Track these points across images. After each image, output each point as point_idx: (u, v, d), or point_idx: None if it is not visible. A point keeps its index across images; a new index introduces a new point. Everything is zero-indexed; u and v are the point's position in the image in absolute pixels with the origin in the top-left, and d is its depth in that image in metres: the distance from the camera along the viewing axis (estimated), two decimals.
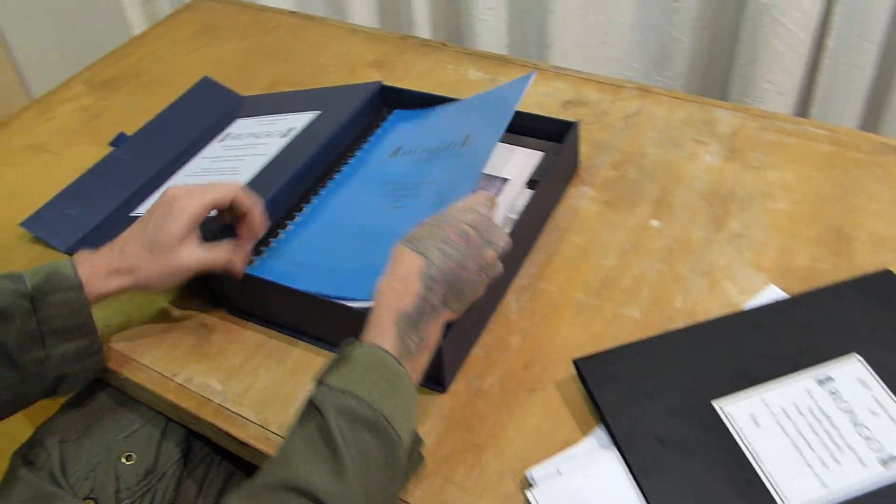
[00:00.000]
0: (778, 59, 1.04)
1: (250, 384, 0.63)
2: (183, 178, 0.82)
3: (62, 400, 0.68)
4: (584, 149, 0.81)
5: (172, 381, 0.64)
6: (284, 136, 0.82)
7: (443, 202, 0.64)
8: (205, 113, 0.92)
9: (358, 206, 0.74)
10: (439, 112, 0.82)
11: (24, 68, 1.81)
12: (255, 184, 0.76)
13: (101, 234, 0.77)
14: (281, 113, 0.87)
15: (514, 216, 0.69)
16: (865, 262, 0.67)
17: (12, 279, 0.59)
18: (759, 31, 1.04)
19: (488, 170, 0.75)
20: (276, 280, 0.65)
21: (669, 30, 1.16)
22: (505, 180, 0.74)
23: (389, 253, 0.56)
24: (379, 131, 0.84)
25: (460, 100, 0.81)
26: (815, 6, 1.00)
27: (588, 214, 0.74)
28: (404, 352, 0.52)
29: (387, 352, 0.51)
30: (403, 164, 0.77)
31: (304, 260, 0.70)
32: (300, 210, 0.76)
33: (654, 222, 0.73)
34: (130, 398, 0.67)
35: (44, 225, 0.79)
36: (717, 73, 1.17)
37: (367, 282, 0.57)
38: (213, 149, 0.86)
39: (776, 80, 1.06)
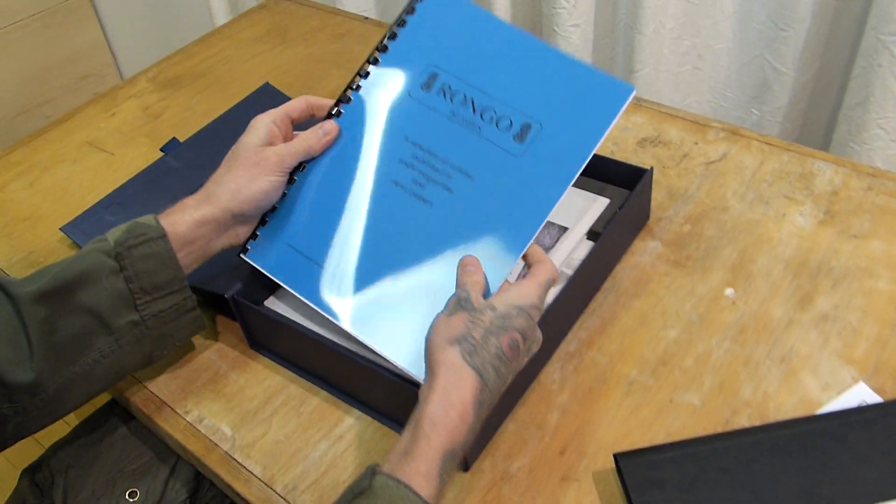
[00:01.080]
0: (894, 101, 0.92)
1: (262, 434, 0.58)
2: None
3: (74, 421, 0.65)
4: (657, 196, 0.73)
5: (183, 418, 0.60)
6: None
7: (479, 228, 0.56)
8: None
9: (367, 172, 0.60)
10: (498, 39, 0.62)
11: (117, 50, 1.85)
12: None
13: None
14: None
15: (570, 272, 0.62)
16: None
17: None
18: (875, 70, 0.92)
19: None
20: (268, 272, 0.60)
21: (771, 60, 1.05)
22: (563, 228, 0.67)
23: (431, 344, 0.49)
24: (415, 16, 0.64)
25: (532, 40, 0.61)
26: None
27: (653, 275, 0.66)
28: (437, 490, 0.45)
29: (419, 497, 0.43)
30: (437, 117, 0.60)
31: (299, 243, 0.60)
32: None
33: (729, 291, 0.64)
34: (144, 425, 0.64)
35: (83, 231, 0.77)
36: (822, 112, 1.06)
37: (372, 317, 0.55)
38: None
39: (890, 127, 0.94)
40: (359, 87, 0.63)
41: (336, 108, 0.63)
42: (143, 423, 0.63)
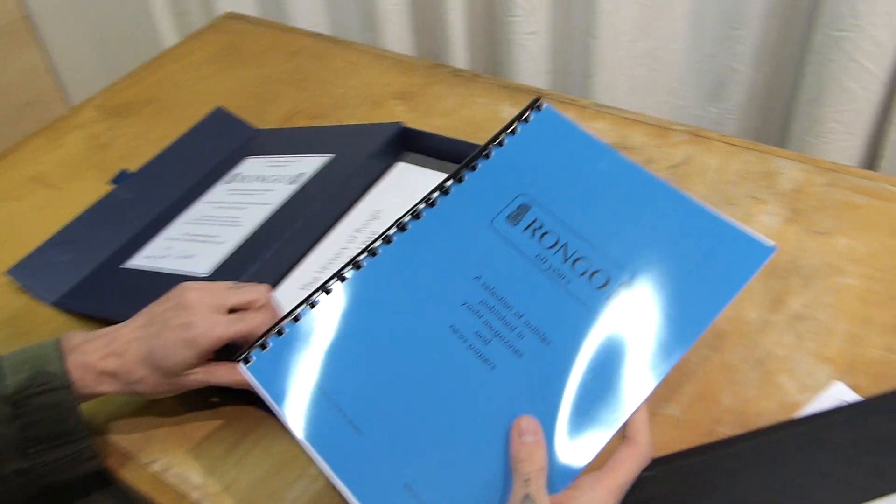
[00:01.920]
0: (847, 96, 0.93)
1: (234, 479, 0.56)
2: (182, 225, 0.76)
3: None
4: None
5: (148, 469, 0.57)
6: (293, 182, 0.75)
7: (551, 408, 0.44)
8: (215, 148, 0.86)
9: (423, 312, 0.48)
10: (610, 173, 0.51)
11: (63, 75, 1.80)
12: (255, 239, 0.69)
13: (90, 288, 0.71)
14: (293, 154, 0.80)
15: None
16: None
17: None
18: (827, 65, 0.93)
19: None
20: (274, 399, 0.47)
21: (726, 59, 1.06)
22: None
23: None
24: (516, 137, 0.53)
25: (650, 178, 0.51)
26: (891, 39, 0.89)
27: None
28: None
29: None
30: (519, 259, 0.48)
31: (330, 387, 0.47)
32: (340, 277, 0.50)
33: None
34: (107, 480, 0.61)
35: (31, 273, 0.73)
36: (779, 108, 1.07)
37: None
38: (218, 192, 0.79)
39: (844, 120, 0.95)
40: (434, 202, 0.51)
41: (401, 223, 0.51)
42: (106, 477, 0.60)
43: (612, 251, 0.48)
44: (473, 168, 0.52)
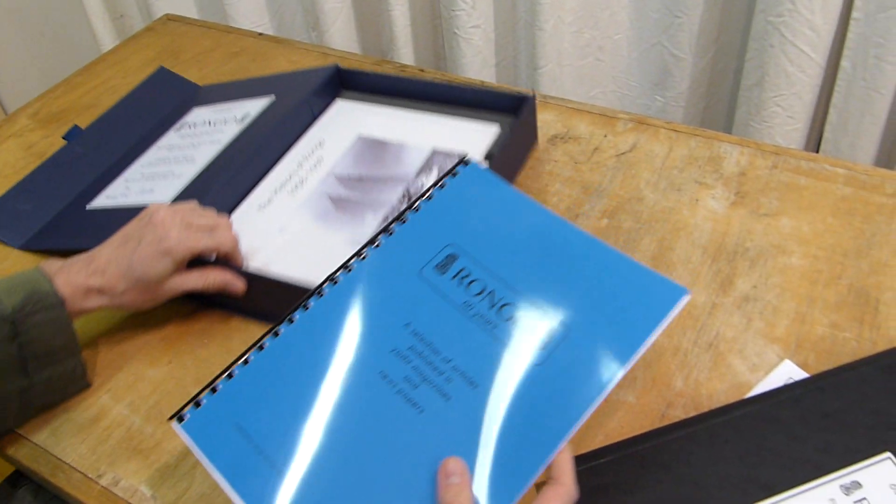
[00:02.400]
0: (787, 80, 0.95)
1: (185, 489, 0.54)
2: (139, 168, 0.80)
3: None
4: (573, 193, 0.73)
5: (97, 483, 0.55)
6: (240, 122, 0.80)
7: (475, 449, 0.44)
8: (160, 103, 0.90)
9: (351, 358, 0.49)
10: (534, 225, 0.53)
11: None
12: (210, 171, 0.74)
13: (57, 228, 0.75)
14: (237, 100, 0.85)
15: None
16: (893, 331, 0.58)
17: None
18: (767, 50, 0.95)
19: (442, 144, 0.75)
20: (206, 454, 0.47)
21: (669, 46, 1.07)
22: (462, 155, 0.68)
23: None
24: (444, 191, 0.55)
25: (574, 230, 0.52)
26: (828, 24, 0.90)
27: None
28: None
29: None
30: (447, 307, 0.49)
31: (251, 428, 0.47)
32: (273, 333, 0.51)
33: None
34: (55, 496, 0.59)
35: None
36: (722, 94, 1.08)
37: None
38: (169, 138, 0.83)
39: (786, 104, 0.97)
40: (364, 256, 0.53)
41: (332, 278, 0.52)
42: (54, 493, 0.58)
43: (535, 297, 0.49)
44: (403, 221, 0.54)
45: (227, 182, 0.72)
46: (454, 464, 0.43)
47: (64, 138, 0.86)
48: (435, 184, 0.55)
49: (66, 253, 0.67)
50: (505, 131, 0.76)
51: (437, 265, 0.51)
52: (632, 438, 0.52)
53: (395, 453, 0.45)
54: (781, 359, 0.58)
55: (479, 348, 0.47)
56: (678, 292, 0.48)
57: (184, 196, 0.73)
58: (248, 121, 0.80)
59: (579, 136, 0.79)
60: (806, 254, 0.65)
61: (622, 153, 0.77)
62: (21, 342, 0.54)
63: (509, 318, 0.48)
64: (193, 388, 0.61)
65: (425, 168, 0.73)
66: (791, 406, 0.53)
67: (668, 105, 1.13)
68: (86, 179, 0.80)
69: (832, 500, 0.48)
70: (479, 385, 0.46)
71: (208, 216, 0.64)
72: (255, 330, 0.64)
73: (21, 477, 0.60)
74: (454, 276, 0.50)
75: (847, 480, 0.49)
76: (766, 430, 0.52)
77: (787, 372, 0.57)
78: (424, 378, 0.47)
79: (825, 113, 0.97)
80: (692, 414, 0.55)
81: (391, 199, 0.71)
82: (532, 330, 0.48)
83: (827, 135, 0.98)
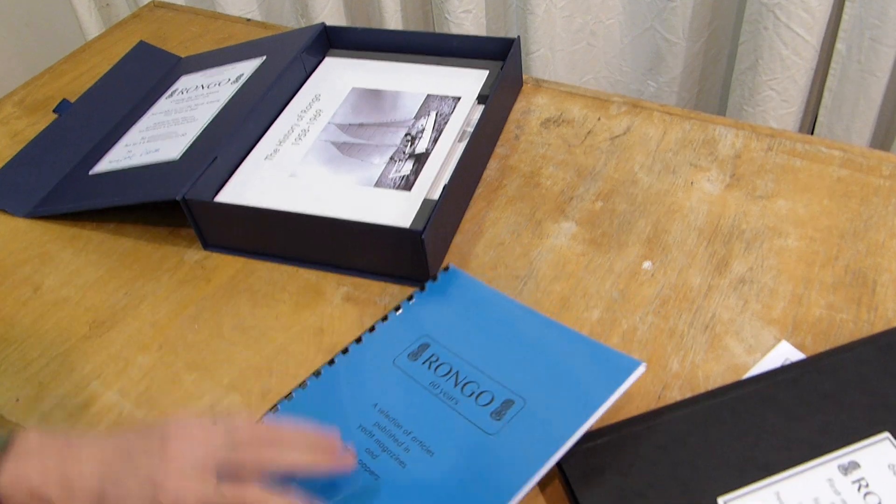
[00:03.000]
0: (782, 64, 0.95)
1: None
2: (138, 132, 0.80)
3: None
4: (567, 176, 0.72)
5: None
6: (235, 82, 0.81)
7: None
8: (145, 74, 0.90)
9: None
10: (505, 317, 0.59)
11: None
12: (213, 127, 0.75)
13: (61, 194, 0.75)
14: (227, 63, 0.86)
15: (470, 129, 0.72)
16: (891, 312, 0.58)
17: None
18: (762, 33, 0.94)
19: (437, 90, 0.77)
20: None
21: (662, 31, 1.06)
22: (456, 98, 0.77)
23: None
24: (424, 293, 0.62)
25: (541, 318, 0.58)
26: (823, 7, 0.90)
27: (570, 256, 0.65)
28: None
29: None
30: (414, 387, 0.55)
31: None
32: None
33: (647, 265, 0.64)
34: None
35: None
36: (716, 78, 1.08)
37: None
38: (162, 105, 0.84)
39: (780, 88, 0.97)
40: (347, 350, 0.59)
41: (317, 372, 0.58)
42: None
43: (498, 376, 0.54)
44: (385, 319, 0.60)
45: (231, 136, 0.73)
46: None
47: (54, 112, 0.86)
48: (417, 289, 0.62)
49: (72, 217, 0.74)
50: (495, 75, 0.79)
51: (410, 354, 0.57)
52: (628, 420, 0.52)
53: None
54: (778, 340, 0.57)
55: (439, 421, 0.52)
56: (634, 365, 0.52)
57: (193, 149, 0.72)
58: (243, 80, 0.81)
59: (572, 120, 0.79)
60: (802, 236, 0.65)
61: (616, 136, 0.76)
62: None
63: (471, 395, 0.53)
64: (184, 374, 0.60)
65: (423, 112, 0.75)
66: (788, 387, 0.53)
67: (661, 90, 1.12)
68: (83, 148, 0.80)
69: (830, 479, 0.48)
70: (435, 452, 0.51)
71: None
72: (246, 314, 0.64)
73: None
74: (424, 362, 0.56)
75: (845, 461, 0.49)
76: (764, 411, 0.52)
77: (784, 353, 0.57)
78: (385, 449, 0.51)
79: (819, 96, 0.97)
80: (688, 395, 0.54)
81: (394, 141, 0.73)
82: (490, 403, 0.52)
83: (821, 118, 0.97)
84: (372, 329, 0.60)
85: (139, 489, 0.42)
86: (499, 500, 0.47)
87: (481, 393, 0.53)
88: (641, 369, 0.51)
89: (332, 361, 0.59)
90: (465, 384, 0.54)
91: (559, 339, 0.56)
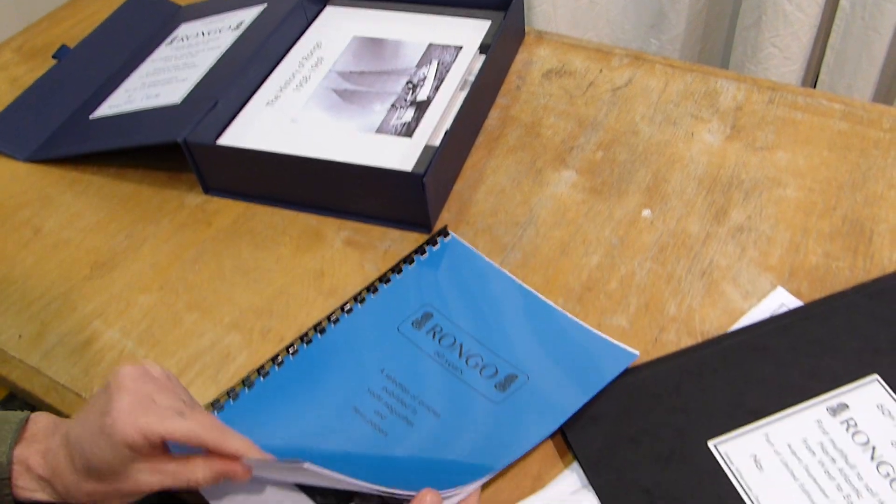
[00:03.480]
0: (785, 20, 0.94)
1: None
2: (138, 78, 0.80)
3: None
4: (568, 126, 0.72)
5: None
6: (236, 29, 0.81)
7: (433, 466, 0.49)
8: (145, 22, 0.90)
9: (331, 397, 0.54)
10: (502, 293, 0.59)
11: None
12: (214, 73, 0.75)
13: (62, 138, 0.76)
14: (228, 11, 0.85)
15: (472, 78, 0.71)
16: (886, 260, 0.59)
17: None
18: None
19: (439, 39, 0.78)
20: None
21: None
22: (458, 48, 0.76)
23: None
24: (425, 257, 0.62)
25: (536, 297, 0.59)
26: None
27: (570, 204, 0.65)
28: None
29: None
30: (420, 355, 0.56)
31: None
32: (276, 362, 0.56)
33: (646, 213, 0.64)
34: None
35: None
36: (718, 36, 1.07)
37: None
38: (162, 52, 0.84)
39: (782, 45, 0.96)
40: (350, 310, 0.59)
41: (319, 327, 0.58)
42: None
43: (500, 351, 0.55)
44: (387, 281, 0.60)
45: (232, 81, 0.73)
46: (431, 497, 0.44)
47: (54, 57, 0.86)
48: (416, 251, 0.62)
49: (73, 161, 0.74)
50: (497, 25, 0.78)
51: (414, 321, 0.58)
52: (623, 372, 0.53)
53: (361, 470, 0.47)
54: (774, 286, 0.58)
55: (445, 388, 0.53)
56: (628, 356, 0.53)
57: (194, 93, 0.73)
58: (243, 27, 0.81)
59: (574, 71, 0.78)
60: (801, 186, 0.65)
61: (618, 88, 0.76)
62: None
63: (476, 366, 0.54)
64: (185, 313, 0.61)
65: (424, 61, 0.75)
66: (779, 335, 0.54)
67: (663, 48, 1.11)
68: (83, 94, 0.80)
69: (819, 420, 0.49)
70: (441, 414, 0.52)
71: (184, 395, 0.47)
72: (246, 257, 0.64)
73: (13, 399, 0.60)
74: (428, 331, 0.57)
75: (834, 402, 0.50)
76: (754, 359, 0.53)
77: (780, 299, 0.57)
78: (392, 410, 0.53)
79: (822, 54, 0.96)
80: (685, 338, 0.55)
81: (396, 89, 0.73)
82: (495, 376, 0.54)
83: (823, 76, 0.97)
84: (374, 289, 0.60)
85: (92, 421, 0.43)
86: (499, 460, 0.49)
87: (485, 366, 0.54)
88: (636, 357, 0.53)
89: (335, 319, 0.59)
90: (468, 356, 0.55)
91: (558, 323, 0.57)
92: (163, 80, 0.77)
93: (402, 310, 0.58)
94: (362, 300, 0.60)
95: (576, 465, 0.49)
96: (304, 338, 0.58)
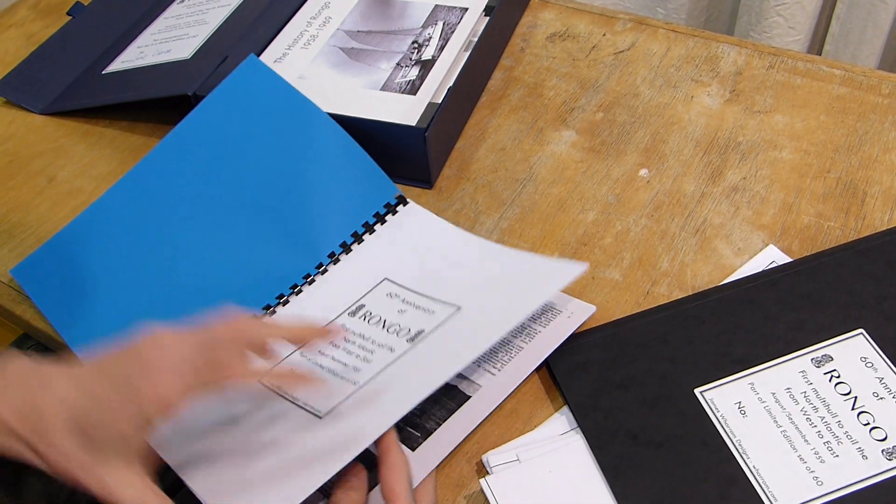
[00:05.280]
0: None
1: None
2: (150, 35, 0.82)
3: None
4: (570, 87, 0.73)
5: None
6: None
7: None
8: None
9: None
10: (452, 246, 0.60)
11: None
12: (224, 29, 0.77)
13: (76, 91, 0.78)
14: None
15: (475, 39, 0.73)
16: (878, 221, 0.60)
17: None
18: None
19: (447, 1, 0.78)
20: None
21: None
22: (463, 9, 0.77)
23: None
24: (379, 229, 0.62)
25: (488, 246, 0.59)
26: None
27: (569, 163, 0.67)
28: None
29: None
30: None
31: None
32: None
33: (643, 172, 0.65)
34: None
35: (15, 89, 0.80)
36: (723, 5, 1.07)
37: None
38: (174, 10, 0.86)
39: (788, 14, 0.96)
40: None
41: None
42: (59, 351, 0.60)
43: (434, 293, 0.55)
44: (339, 259, 0.60)
45: (242, 38, 0.74)
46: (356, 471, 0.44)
47: (68, 14, 0.88)
48: (377, 220, 0.62)
49: (85, 114, 0.76)
50: None
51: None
52: (612, 322, 0.54)
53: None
54: (766, 244, 0.59)
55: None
56: (578, 267, 0.53)
57: (204, 49, 0.75)
58: None
59: (578, 35, 0.79)
60: (797, 148, 0.66)
61: (620, 51, 0.77)
62: None
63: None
64: None
65: (430, 21, 0.76)
66: (767, 289, 0.55)
67: (669, 17, 1.12)
68: (96, 50, 0.82)
69: (803, 371, 0.51)
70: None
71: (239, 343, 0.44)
72: None
73: (27, 339, 0.62)
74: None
75: (818, 354, 0.51)
76: (742, 311, 0.54)
77: (771, 256, 0.59)
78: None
79: (827, 24, 0.97)
80: (676, 292, 0.57)
81: (401, 48, 0.74)
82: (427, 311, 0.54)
83: (828, 47, 0.97)
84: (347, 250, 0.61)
85: (122, 403, 0.40)
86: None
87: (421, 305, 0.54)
88: (586, 268, 0.53)
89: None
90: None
91: (507, 258, 0.57)
92: (174, 36, 0.79)
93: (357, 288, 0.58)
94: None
95: (565, 409, 0.51)
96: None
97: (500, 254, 0.58)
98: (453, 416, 0.50)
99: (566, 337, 0.52)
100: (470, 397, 0.51)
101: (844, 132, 0.67)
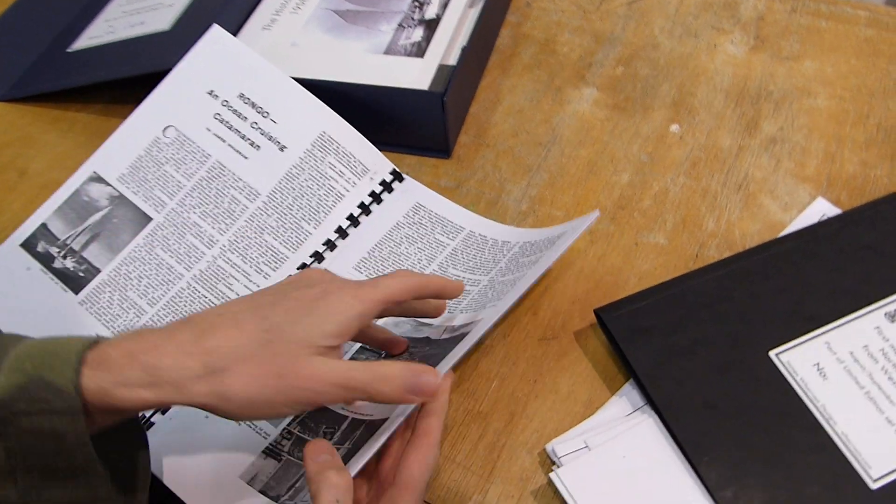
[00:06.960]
0: None
1: None
2: (117, 7, 0.73)
3: None
4: (584, 42, 0.68)
5: None
6: None
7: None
8: None
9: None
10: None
11: None
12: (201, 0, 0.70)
13: (40, 73, 0.70)
14: None
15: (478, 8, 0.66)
16: None
17: None
18: None
19: None
20: None
21: None
22: None
23: None
24: (375, 209, 0.57)
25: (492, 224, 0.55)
26: None
27: (594, 122, 0.62)
28: None
29: None
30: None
31: None
32: None
33: (674, 127, 0.61)
34: None
35: None
36: None
37: None
38: None
39: None
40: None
41: None
42: None
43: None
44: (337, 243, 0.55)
45: (224, 4, 0.67)
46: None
47: None
48: (373, 199, 0.57)
49: (53, 98, 0.68)
50: None
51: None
52: (668, 282, 0.50)
53: None
54: (813, 197, 0.56)
55: None
56: (589, 217, 0.49)
57: (185, 18, 0.67)
58: None
59: None
60: (832, 95, 0.62)
61: (633, 1, 0.72)
62: (7, 447, 0.34)
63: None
64: None
65: None
66: (828, 240, 0.52)
67: None
68: (58, 25, 0.74)
69: (878, 327, 0.47)
70: None
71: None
72: None
73: None
74: None
75: (891, 308, 0.48)
76: (806, 265, 0.50)
77: (821, 209, 0.55)
78: None
79: None
80: (726, 253, 0.53)
81: (401, 8, 0.68)
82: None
83: None
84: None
85: (288, 315, 0.37)
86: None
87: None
88: (595, 216, 0.49)
89: None
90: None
91: (513, 235, 0.54)
92: (146, 6, 0.72)
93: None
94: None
95: (625, 389, 0.47)
96: None
97: (508, 229, 0.55)
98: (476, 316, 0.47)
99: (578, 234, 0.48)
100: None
101: (877, 76, 0.63)
